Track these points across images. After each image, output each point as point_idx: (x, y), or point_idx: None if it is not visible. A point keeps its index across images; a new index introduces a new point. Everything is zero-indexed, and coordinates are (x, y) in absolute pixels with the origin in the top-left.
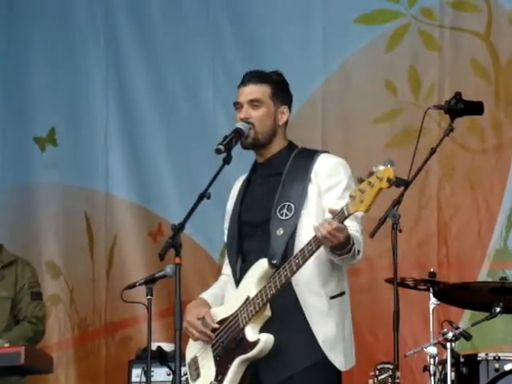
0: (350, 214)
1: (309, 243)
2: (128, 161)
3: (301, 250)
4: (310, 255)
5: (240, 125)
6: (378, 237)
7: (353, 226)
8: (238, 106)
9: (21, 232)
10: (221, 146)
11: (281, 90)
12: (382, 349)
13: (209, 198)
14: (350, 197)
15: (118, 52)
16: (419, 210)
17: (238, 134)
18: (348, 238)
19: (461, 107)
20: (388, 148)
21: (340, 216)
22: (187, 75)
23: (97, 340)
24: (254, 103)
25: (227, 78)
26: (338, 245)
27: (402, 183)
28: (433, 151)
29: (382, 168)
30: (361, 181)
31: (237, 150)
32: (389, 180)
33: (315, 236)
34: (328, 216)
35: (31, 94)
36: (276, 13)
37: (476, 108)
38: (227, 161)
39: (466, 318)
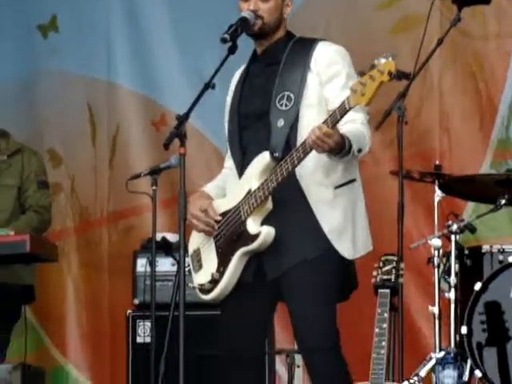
0: (350, 108)
1: (302, 143)
2: (131, 49)
3: (302, 143)
4: (311, 149)
5: (246, 14)
6: (382, 129)
7: (359, 119)
8: None
9: (24, 120)
10: (226, 35)
11: None
12: (386, 241)
13: (213, 87)
14: (351, 90)
15: None
16: (421, 101)
17: (243, 24)
18: (341, 142)
19: None
20: (391, 34)
21: (341, 109)
22: None
23: (98, 229)
24: None
25: None
26: (331, 149)
27: (404, 76)
28: (439, 42)
29: (383, 61)
30: (362, 74)
31: (243, 40)
32: (390, 73)
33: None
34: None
35: None
36: None
37: None
38: (232, 50)
39: (469, 211)
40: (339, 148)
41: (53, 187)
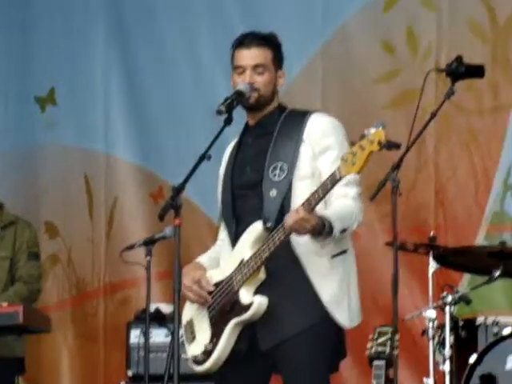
0: (341, 177)
1: (286, 220)
2: (129, 122)
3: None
4: (287, 234)
5: (242, 86)
6: (377, 201)
7: (350, 193)
8: (240, 69)
9: (21, 192)
10: (222, 107)
11: (279, 54)
12: (381, 313)
13: (209, 159)
14: (342, 160)
15: (118, 12)
16: (416, 173)
17: (239, 96)
18: (320, 224)
19: (462, 70)
20: (386, 109)
21: (332, 179)
22: (187, 36)
23: (95, 300)
24: (259, 69)
25: (227, 39)
26: (309, 232)
27: (393, 146)
28: (433, 115)
29: (373, 131)
30: (352, 144)
31: (239, 112)
32: (379, 143)
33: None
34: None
35: (32, 54)
36: None
37: (477, 71)
38: (228, 122)
39: (465, 283)
40: (318, 231)
41: (50, 259)
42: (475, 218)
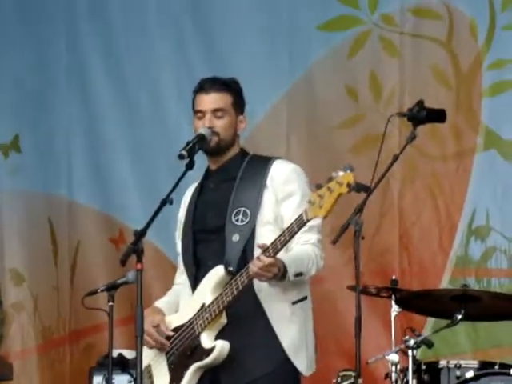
0: (308, 220)
1: (245, 269)
2: (91, 167)
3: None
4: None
5: (203, 130)
6: (342, 245)
7: (311, 239)
8: (199, 114)
9: None
10: (184, 152)
11: (240, 99)
12: (345, 356)
13: (171, 203)
14: (309, 202)
15: (80, 59)
16: (381, 218)
17: (200, 140)
18: (280, 270)
19: (423, 115)
20: (351, 154)
21: (298, 222)
22: (150, 81)
23: (61, 348)
24: (218, 113)
25: (191, 85)
26: (274, 278)
27: (362, 188)
28: (395, 158)
29: (341, 173)
30: (319, 187)
31: (201, 157)
32: (348, 185)
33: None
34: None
35: None
36: (240, 19)
37: (439, 116)
38: (190, 166)
39: (429, 326)
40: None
41: (14, 306)
42: (440, 263)
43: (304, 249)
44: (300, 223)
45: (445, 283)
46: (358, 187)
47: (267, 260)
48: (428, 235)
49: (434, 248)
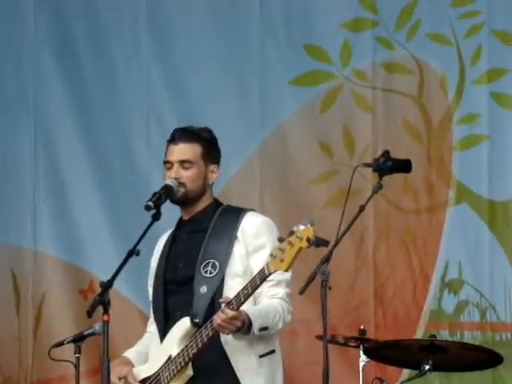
0: (270, 273)
1: (214, 320)
2: (57, 217)
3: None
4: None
5: (169, 181)
6: (315, 298)
7: (279, 293)
8: (168, 164)
9: None
10: (150, 203)
11: (211, 149)
12: None
13: (138, 254)
14: (271, 256)
15: (47, 107)
16: (355, 271)
17: (167, 191)
18: (245, 323)
19: (389, 165)
20: (325, 208)
21: (261, 276)
22: (120, 129)
23: None
24: (185, 164)
25: (161, 134)
26: (238, 331)
27: (322, 243)
28: (361, 209)
29: (302, 227)
30: (281, 240)
31: (170, 205)
32: (308, 240)
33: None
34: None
35: None
36: (213, 70)
37: (404, 166)
38: (157, 217)
39: (404, 378)
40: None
41: None
42: (413, 316)
43: (271, 303)
44: (262, 276)
45: (419, 336)
46: (318, 242)
47: (230, 313)
48: (402, 289)
49: (409, 301)
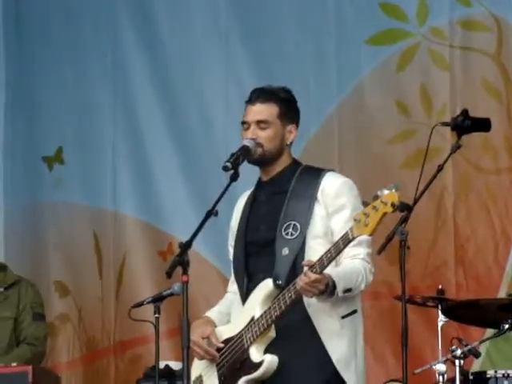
0: (354, 238)
1: (297, 283)
2: (137, 179)
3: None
4: (296, 294)
5: (247, 142)
6: (396, 260)
7: (361, 254)
8: (245, 125)
9: (29, 251)
10: (228, 164)
11: (289, 109)
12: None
13: (216, 215)
14: (355, 220)
15: (125, 70)
16: (435, 233)
17: (244, 152)
18: (326, 285)
19: (468, 124)
20: (403, 168)
21: (344, 239)
22: (198, 92)
23: (105, 359)
24: (262, 124)
25: (239, 96)
26: (321, 294)
27: (406, 208)
28: (440, 168)
29: (386, 192)
30: (366, 204)
31: (248, 165)
32: (393, 205)
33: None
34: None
35: (39, 114)
36: (289, 33)
37: (483, 124)
38: (234, 178)
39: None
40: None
41: (60, 318)
42: (495, 277)
43: (353, 264)
44: (346, 241)
45: (501, 297)
46: (402, 207)
47: (313, 276)
48: (483, 249)
49: (490, 262)
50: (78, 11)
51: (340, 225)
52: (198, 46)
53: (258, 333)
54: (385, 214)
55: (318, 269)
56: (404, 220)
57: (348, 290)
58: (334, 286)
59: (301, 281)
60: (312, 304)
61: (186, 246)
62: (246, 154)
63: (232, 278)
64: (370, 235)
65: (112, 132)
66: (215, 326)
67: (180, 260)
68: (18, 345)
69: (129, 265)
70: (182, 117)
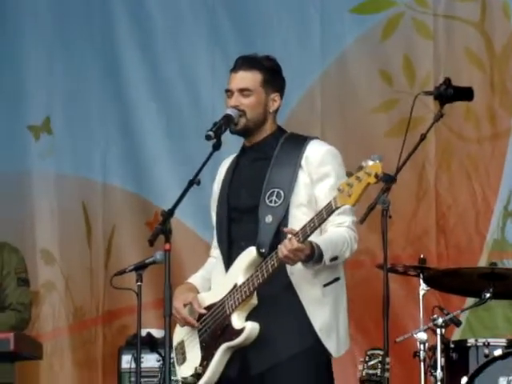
0: (337, 208)
1: (280, 250)
2: (124, 150)
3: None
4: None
5: (230, 111)
6: (378, 228)
7: (345, 222)
8: (228, 92)
9: (15, 220)
10: (210, 133)
11: (272, 77)
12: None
13: (198, 184)
14: (338, 190)
15: (113, 40)
16: (417, 202)
17: (227, 121)
18: (312, 253)
19: (450, 93)
20: (386, 137)
21: (328, 209)
22: (185, 64)
23: (93, 328)
24: (245, 92)
25: (225, 67)
26: (302, 262)
27: (390, 179)
28: (422, 138)
29: (370, 163)
30: (350, 175)
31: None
32: (376, 176)
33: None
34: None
35: (25, 83)
36: (273, 3)
37: (466, 93)
38: (217, 147)
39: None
40: (309, 259)
41: (46, 285)
42: (476, 246)
43: (339, 232)
44: (329, 210)
45: (482, 265)
46: (386, 178)
47: (296, 244)
48: (464, 219)
49: (471, 231)
50: None
51: (324, 192)
52: (184, 17)
53: (240, 300)
54: (368, 184)
55: (301, 238)
56: (386, 189)
57: (334, 258)
58: (321, 254)
59: (284, 248)
60: (295, 272)
61: (168, 215)
62: (229, 123)
63: (214, 243)
64: (353, 205)
65: (101, 104)
66: (198, 292)
67: (162, 228)
68: (3, 310)
69: (118, 235)
70: (169, 88)
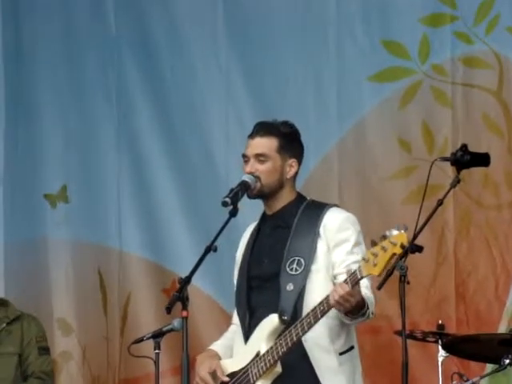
0: (362, 277)
1: (321, 303)
2: (141, 217)
3: (313, 310)
4: (322, 315)
5: (246, 177)
6: (396, 294)
7: (364, 283)
8: (245, 158)
9: (31, 288)
10: (227, 199)
11: (289, 143)
12: None
13: (215, 250)
14: (363, 259)
15: (129, 108)
16: (437, 268)
17: (244, 187)
18: (362, 302)
19: (467, 158)
20: (404, 205)
21: (352, 278)
22: (199, 128)
23: None
24: (260, 157)
25: (240, 132)
26: (352, 309)
27: (417, 249)
28: (439, 203)
29: (395, 233)
30: (374, 244)
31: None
32: (402, 246)
33: (327, 296)
34: (339, 277)
35: (42, 152)
36: (289, 69)
37: (483, 159)
38: (233, 213)
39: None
40: (358, 309)
41: (62, 355)
42: (496, 312)
43: (366, 295)
44: (354, 280)
45: (502, 332)
46: (413, 248)
47: (347, 288)
48: (484, 285)
49: (491, 297)
50: (81, 49)
51: (341, 258)
52: (198, 81)
53: (265, 368)
54: (394, 254)
55: (326, 307)
56: (403, 255)
57: (372, 314)
58: (368, 307)
59: (336, 292)
60: (308, 339)
61: (185, 282)
62: (246, 189)
63: (236, 310)
64: (378, 275)
65: (116, 170)
66: (220, 359)
67: (179, 295)
68: (26, 379)
69: (133, 303)
70: (183, 153)
